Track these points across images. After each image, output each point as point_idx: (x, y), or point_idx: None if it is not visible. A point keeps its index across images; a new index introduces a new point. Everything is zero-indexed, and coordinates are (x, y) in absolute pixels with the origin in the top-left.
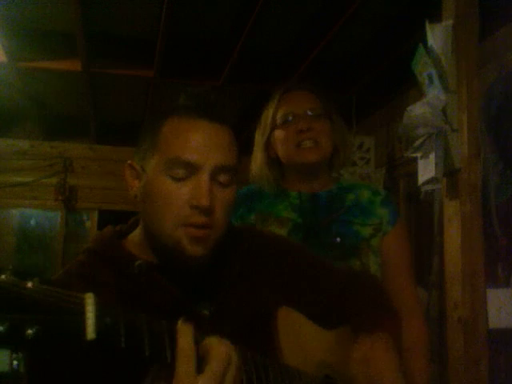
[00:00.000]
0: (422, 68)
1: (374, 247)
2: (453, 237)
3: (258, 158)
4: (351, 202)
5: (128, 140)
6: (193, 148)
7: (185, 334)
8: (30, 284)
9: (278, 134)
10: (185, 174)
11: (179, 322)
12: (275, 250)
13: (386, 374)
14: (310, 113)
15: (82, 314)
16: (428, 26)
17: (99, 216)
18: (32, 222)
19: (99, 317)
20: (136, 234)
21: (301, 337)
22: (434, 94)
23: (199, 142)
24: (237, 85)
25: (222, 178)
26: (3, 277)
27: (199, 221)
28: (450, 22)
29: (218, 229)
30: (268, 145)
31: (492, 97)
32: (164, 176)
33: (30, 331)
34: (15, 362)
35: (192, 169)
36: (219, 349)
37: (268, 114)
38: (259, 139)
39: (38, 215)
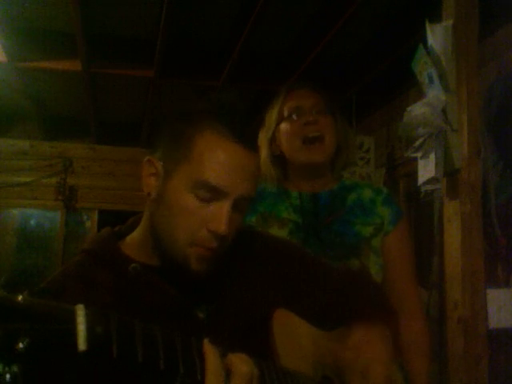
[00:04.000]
0: (422, 68)
1: (374, 247)
2: (453, 237)
3: (261, 155)
4: (353, 201)
5: (128, 140)
6: (224, 175)
7: (212, 352)
8: (20, 297)
9: (284, 128)
10: (209, 196)
11: (205, 342)
12: (273, 251)
13: (378, 361)
14: (315, 109)
15: (72, 325)
16: (428, 26)
17: (99, 216)
18: (32, 222)
19: (90, 327)
20: (135, 235)
21: (298, 338)
22: (434, 94)
23: (232, 170)
24: (237, 85)
25: (241, 205)
26: None
27: (212, 245)
28: (450, 21)
29: (225, 248)
30: (272, 142)
31: (492, 97)
32: (188, 192)
33: (21, 344)
34: (8, 376)
35: (218, 194)
36: (242, 368)
37: (273, 112)
38: (263, 136)
39: (38, 215)
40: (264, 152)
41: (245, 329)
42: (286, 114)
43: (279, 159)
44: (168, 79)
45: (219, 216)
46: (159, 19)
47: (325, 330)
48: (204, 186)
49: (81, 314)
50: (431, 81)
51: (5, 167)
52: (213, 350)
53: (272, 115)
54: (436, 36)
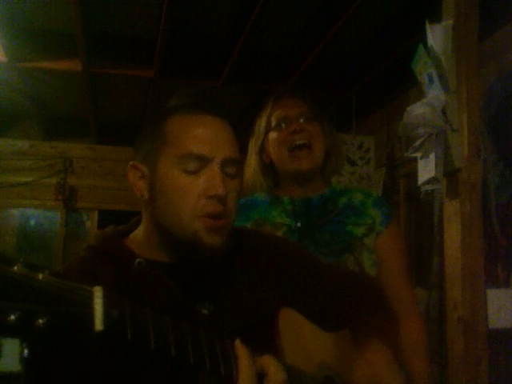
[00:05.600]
0: (422, 68)
1: (367, 245)
2: (453, 237)
3: (251, 164)
4: (344, 204)
5: (128, 140)
6: (204, 142)
7: (245, 355)
8: (40, 276)
9: (272, 137)
10: (197, 166)
11: (237, 342)
12: (276, 250)
13: (386, 371)
14: (301, 117)
15: (90, 305)
16: (428, 26)
17: (99, 216)
18: (32, 221)
19: (107, 309)
20: (138, 233)
21: (301, 337)
22: (434, 94)
23: (209, 135)
24: (237, 85)
25: (230, 169)
26: (15, 268)
27: (216, 210)
28: (450, 22)
29: (230, 218)
30: (262, 150)
31: (492, 97)
32: (177, 170)
33: (40, 321)
34: (25, 351)
35: (204, 161)
36: (278, 375)
37: (261, 121)
38: (253, 145)
39: (38, 215)
40: (253, 161)
41: (247, 326)
42: (273, 123)
43: (269, 168)
44: (168, 79)
45: (212, 179)
46: (159, 19)
47: (326, 329)
48: (189, 158)
49: (98, 295)
50: (431, 81)
51: (5, 167)
52: (246, 351)
53: (260, 124)
54: (436, 36)
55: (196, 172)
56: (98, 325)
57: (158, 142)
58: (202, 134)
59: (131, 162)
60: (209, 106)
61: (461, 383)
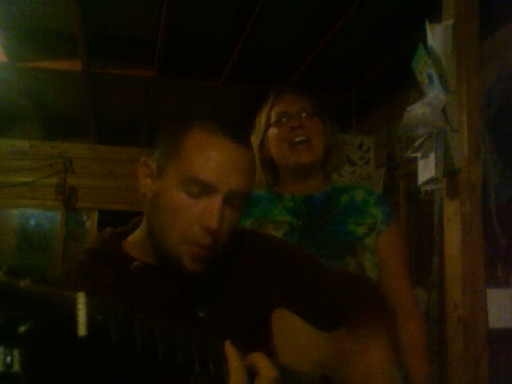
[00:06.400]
0: (422, 68)
1: (368, 246)
2: (453, 237)
3: None
4: (345, 202)
5: (128, 140)
6: (212, 170)
7: (234, 356)
8: (22, 283)
9: (272, 132)
10: (199, 192)
11: (227, 343)
12: (274, 251)
13: (379, 367)
14: (302, 113)
15: (73, 311)
16: (428, 26)
17: (99, 216)
18: (32, 222)
19: (90, 314)
20: (136, 236)
21: (297, 337)
22: (434, 93)
23: (220, 163)
24: (237, 85)
25: (234, 201)
26: None
27: (205, 242)
28: (450, 22)
29: (220, 248)
30: (262, 146)
31: (492, 97)
32: (179, 189)
33: (22, 328)
34: (8, 358)
35: (207, 189)
36: (269, 372)
37: (262, 117)
38: (253, 142)
39: (38, 215)
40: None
41: (245, 328)
42: (273, 119)
43: (270, 164)
44: (168, 79)
45: (210, 211)
46: (159, 19)
47: (324, 330)
48: (193, 182)
49: (81, 301)
50: (431, 81)
51: (5, 167)
52: (235, 351)
53: (261, 120)
54: (436, 36)
55: (197, 197)
56: (82, 330)
57: (172, 151)
58: (214, 161)
59: (144, 158)
60: (233, 130)
61: (461, 383)
